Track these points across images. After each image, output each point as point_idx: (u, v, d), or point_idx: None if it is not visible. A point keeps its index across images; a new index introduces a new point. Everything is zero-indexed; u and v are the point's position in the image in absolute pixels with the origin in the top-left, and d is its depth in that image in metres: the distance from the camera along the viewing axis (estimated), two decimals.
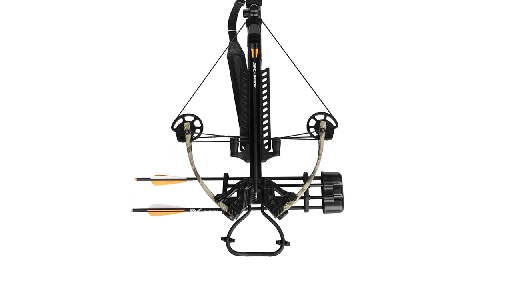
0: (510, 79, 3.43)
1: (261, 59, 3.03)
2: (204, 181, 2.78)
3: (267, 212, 2.75)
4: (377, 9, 3.58)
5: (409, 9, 3.59)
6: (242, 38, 3.21)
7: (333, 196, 2.82)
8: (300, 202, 2.80)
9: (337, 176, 2.85)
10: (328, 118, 2.94)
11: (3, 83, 3.38)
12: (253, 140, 2.86)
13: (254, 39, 3.02)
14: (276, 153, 2.88)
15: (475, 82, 3.41)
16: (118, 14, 3.53)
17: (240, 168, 2.87)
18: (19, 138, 3.21)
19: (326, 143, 2.89)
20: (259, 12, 3.13)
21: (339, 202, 2.81)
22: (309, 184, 2.78)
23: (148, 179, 2.88)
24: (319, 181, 2.85)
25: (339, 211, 2.82)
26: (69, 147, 3.17)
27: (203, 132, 2.92)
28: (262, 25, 3.11)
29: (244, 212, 2.74)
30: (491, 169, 3.17)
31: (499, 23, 3.57)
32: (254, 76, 2.97)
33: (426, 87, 3.35)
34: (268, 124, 2.93)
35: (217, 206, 2.75)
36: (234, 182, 2.82)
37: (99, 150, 3.15)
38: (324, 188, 2.83)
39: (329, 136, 2.92)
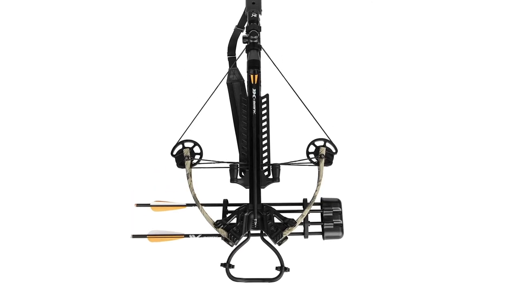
0: (507, 80, 3.50)
1: (260, 85, 3.06)
2: (203, 207, 2.81)
3: (267, 238, 2.78)
4: (373, 39, 3.64)
5: (404, 34, 3.67)
6: (242, 64, 3.25)
7: (332, 222, 2.85)
8: (299, 228, 2.83)
9: (337, 202, 2.89)
10: (328, 144, 2.97)
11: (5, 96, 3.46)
12: (253, 166, 2.89)
13: (254, 65, 3.04)
14: (276, 179, 2.91)
15: (474, 101, 3.47)
16: (115, 46, 3.60)
17: (240, 194, 2.91)
18: (19, 163, 3.26)
19: (326, 169, 2.92)
20: (259, 38, 3.16)
21: (339, 228, 2.85)
22: (308, 210, 2.82)
23: (148, 205, 2.92)
24: (318, 207, 2.88)
25: (338, 237, 2.85)
26: (69, 173, 3.22)
27: (202, 158, 2.95)
28: (262, 51, 3.14)
29: (243, 238, 2.77)
30: (492, 193, 3.23)
31: (498, 23, 3.64)
32: (254, 102, 3.00)
33: (425, 116, 3.41)
34: (268, 150, 2.97)
35: (217, 232, 2.78)
36: (233, 208, 2.86)
37: (99, 176, 3.20)
38: (324, 214, 2.86)
39: (328, 162, 2.95)
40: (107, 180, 3.17)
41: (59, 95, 3.46)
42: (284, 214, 2.84)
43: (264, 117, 3.02)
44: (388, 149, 3.29)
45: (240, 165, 2.94)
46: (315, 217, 2.88)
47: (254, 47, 3.11)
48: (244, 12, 3.31)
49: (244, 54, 3.16)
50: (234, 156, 3.03)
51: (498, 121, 3.43)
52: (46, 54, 3.58)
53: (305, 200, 2.88)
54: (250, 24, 3.16)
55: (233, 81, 3.26)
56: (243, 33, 3.19)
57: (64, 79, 3.51)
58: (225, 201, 2.90)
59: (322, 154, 2.93)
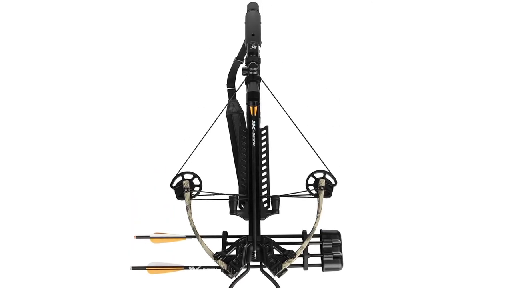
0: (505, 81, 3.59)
1: (260, 117, 3.07)
2: (203, 239, 2.85)
3: (266, 270, 2.82)
4: (370, 70, 3.72)
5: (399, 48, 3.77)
6: (241, 96, 3.27)
7: (332, 254, 2.90)
8: (299, 260, 2.87)
9: (336, 234, 2.94)
10: (327, 176, 3.00)
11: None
12: (252, 198, 2.93)
13: (253, 97, 3.07)
14: (275, 211, 2.95)
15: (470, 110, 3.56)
16: (114, 78, 3.67)
17: (239, 226, 2.95)
18: (16, 196, 3.33)
19: (325, 201, 2.95)
20: (258, 70, 3.17)
21: (338, 260, 2.89)
22: (308, 242, 2.86)
23: (147, 237, 2.96)
24: (318, 239, 2.93)
25: (338, 269, 2.89)
26: (69, 204, 3.27)
27: (202, 190, 2.98)
28: (261, 83, 3.15)
29: (243, 270, 2.81)
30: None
31: (497, 23, 3.74)
32: (253, 134, 3.02)
33: (426, 150, 3.48)
34: (267, 182, 3.00)
35: (216, 264, 2.82)
36: (233, 240, 2.90)
37: (99, 207, 3.24)
38: (323, 246, 2.91)
39: (328, 194, 2.98)
40: (106, 212, 3.21)
41: (57, 123, 3.54)
42: (283, 246, 2.88)
43: (263, 149, 3.05)
44: (388, 181, 3.34)
45: (240, 197, 2.97)
46: (315, 249, 2.93)
47: (253, 79, 3.13)
48: (243, 44, 3.36)
49: (244, 86, 3.18)
50: (233, 188, 3.08)
51: (496, 133, 3.52)
52: (46, 66, 3.67)
53: (304, 232, 2.93)
54: (249, 56, 3.18)
55: (233, 113, 3.31)
56: (243, 65, 3.21)
57: (62, 106, 3.59)
58: (225, 233, 2.95)
59: (322, 186, 2.97)
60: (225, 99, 3.37)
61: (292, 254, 2.83)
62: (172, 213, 3.04)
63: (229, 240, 2.92)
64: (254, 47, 3.22)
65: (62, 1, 3.85)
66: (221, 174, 3.18)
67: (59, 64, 3.69)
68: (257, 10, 3.42)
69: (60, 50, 3.73)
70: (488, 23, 3.78)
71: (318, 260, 2.90)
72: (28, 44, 3.72)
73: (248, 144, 3.03)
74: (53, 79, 3.65)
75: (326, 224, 2.99)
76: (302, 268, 2.88)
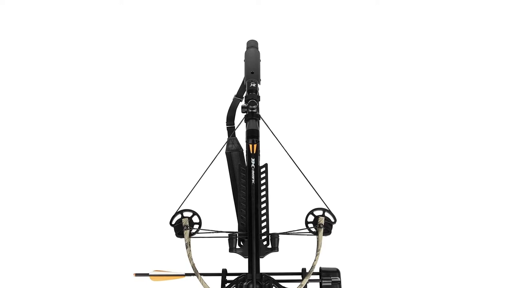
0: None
1: (259, 155, 3.10)
2: (202, 276, 2.87)
3: None
4: (367, 104, 3.82)
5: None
6: (241, 134, 3.28)
7: None
8: None
9: (336, 272, 2.97)
10: (327, 214, 3.03)
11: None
12: (252, 236, 2.96)
13: (253, 135, 3.08)
14: (275, 248, 2.99)
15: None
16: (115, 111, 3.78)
17: (239, 264, 2.99)
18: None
19: (325, 239, 2.98)
20: (258, 108, 3.19)
21: None
22: (307, 279, 2.89)
23: (147, 274, 2.98)
24: (317, 277, 2.96)
25: None
26: (68, 243, 3.34)
27: (201, 228, 3.01)
28: (261, 121, 3.17)
29: None
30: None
31: (496, 24, 3.83)
32: (253, 172, 3.05)
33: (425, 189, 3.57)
34: (267, 220, 3.04)
35: None
36: (232, 278, 2.94)
37: (98, 246, 3.31)
38: (323, 284, 2.94)
39: (327, 231, 3.01)
40: (106, 250, 3.27)
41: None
42: (283, 284, 2.92)
43: (263, 187, 3.08)
44: (387, 219, 3.41)
45: (239, 234, 3.01)
46: (314, 286, 2.96)
47: (253, 117, 3.15)
48: (243, 81, 3.38)
49: (243, 124, 3.19)
50: (233, 225, 3.12)
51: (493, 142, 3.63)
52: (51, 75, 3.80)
53: (304, 269, 2.97)
54: (249, 94, 3.20)
55: (232, 150, 3.33)
56: (242, 103, 3.26)
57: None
58: (224, 270, 2.98)
59: (321, 224, 3.00)
60: (225, 137, 3.41)
61: None
62: (171, 251, 3.08)
63: (228, 278, 2.96)
64: (254, 85, 3.23)
65: (67, 2, 3.96)
66: (220, 211, 3.23)
67: (61, 70, 3.83)
68: (257, 48, 3.46)
69: (63, 53, 3.86)
70: (487, 23, 3.87)
71: None
72: (42, 47, 3.86)
73: (248, 182, 3.05)
74: (54, 86, 3.79)
75: (325, 262, 3.02)
76: None
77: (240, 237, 3.02)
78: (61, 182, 3.55)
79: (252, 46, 3.47)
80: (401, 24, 3.97)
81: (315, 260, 2.92)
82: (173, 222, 3.03)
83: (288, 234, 3.04)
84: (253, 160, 3.08)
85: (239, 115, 3.29)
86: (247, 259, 2.96)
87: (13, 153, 3.64)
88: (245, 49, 3.48)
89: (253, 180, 3.06)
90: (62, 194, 3.52)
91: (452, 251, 3.38)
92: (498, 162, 3.60)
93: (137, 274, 2.99)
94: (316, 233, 3.01)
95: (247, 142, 3.10)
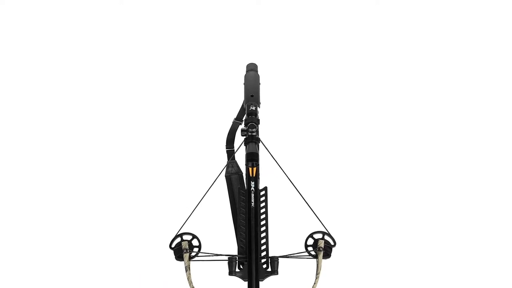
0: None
1: (259, 178, 3.11)
2: None
3: None
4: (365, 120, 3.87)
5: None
6: (240, 157, 3.29)
7: None
8: None
9: None
10: (326, 237, 3.06)
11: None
12: (251, 259, 2.99)
13: (252, 158, 3.09)
14: (274, 272, 3.00)
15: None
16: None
17: (239, 287, 3.01)
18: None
19: (324, 262, 3.01)
20: (257, 131, 3.20)
21: None
22: None
23: None
24: None
25: None
26: (66, 272, 3.38)
27: (201, 251, 3.04)
28: (260, 144, 3.19)
29: None
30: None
31: (494, 25, 3.88)
32: (252, 195, 3.06)
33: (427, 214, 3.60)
34: (266, 243, 3.05)
35: None
36: None
37: (96, 269, 3.34)
38: None
39: (327, 255, 3.03)
40: (104, 274, 3.30)
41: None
42: None
43: (262, 210, 3.10)
44: (388, 243, 3.43)
45: (239, 257, 3.03)
46: None
47: (252, 140, 3.16)
48: (242, 104, 3.40)
49: (243, 147, 3.20)
50: (232, 248, 3.14)
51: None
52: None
53: None
54: (248, 117, 3.22)
55: (232, 174, 3.34)
56: (242, 126, 3.24)
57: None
58: None
59: (321, 247, 3.03)
60: (224, 160, 3.42)
61: None
62: (171, 274, 3.10)
63: None
64: (253, 108, 3.26)
65: (67, 2, 4.01)
66: (220, 235, 3.24)
67: (61, 70, 3.89)
68: (256, 71, 3.48)
69: (64, 53, 3.92)
70: (487, 23, 3.91)
71: None
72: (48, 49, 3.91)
73: (247, 205, 3.07)
74: (55, 86, 3.85)
75: (325, 285, 3.04)
76: None
77: (239, 260, 3.03)
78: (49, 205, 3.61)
79: (252, 69, 3.49)
80: (401, 24, 4.01)
81: (314, 284, 2.95)
82: (173, 245, 3.05)
83: (288, 257, 3.06)
84: (252, 183, 3.09)
85: (239, 138, 3.30)
86: (246, 282, 2.98)
87: (12, 154, 3.68)
88: (244, 72, 3.50)
89: (252, 203, 3.08)
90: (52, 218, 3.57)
91: (454, 278, 3.41)
92: (497, 163, 3.63)
93: None
94: (315, 256, 3.04)
95: (246, 165, 3.12)
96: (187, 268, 2.98)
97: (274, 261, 3.03)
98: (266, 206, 3.13)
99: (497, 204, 3.54)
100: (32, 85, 3.85)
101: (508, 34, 3.90)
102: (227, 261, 3.02)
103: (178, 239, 3.06)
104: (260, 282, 2.98)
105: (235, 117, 3.46)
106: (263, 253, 3.05)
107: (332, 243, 3.07)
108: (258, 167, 3.11)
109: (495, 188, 3.59)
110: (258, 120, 3.27)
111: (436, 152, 3.74)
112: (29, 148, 3.69)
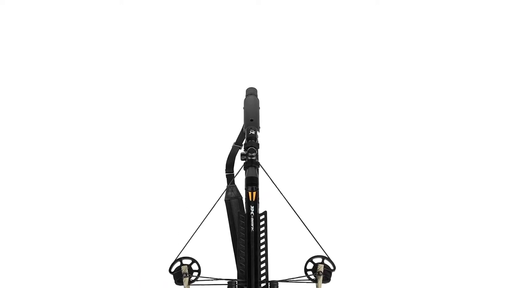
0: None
1: (258, 202, 3.11)
2: None
3: None
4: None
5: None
6: (240, 181, 3.29)
7: None
8: None
9: None
10: (326, 261, 3.08)
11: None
12: (251, 283, 3.01)
13: (252, 182, 3.10)
14: None
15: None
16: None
17: None
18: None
19: (324, 286, 3.04)
20: (257, 155, 3.21)
21: None
22: None
23: None
24: None
25: None
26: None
27: (200, 275, 3.06)
28: (260, 168, 3.20)
29: None
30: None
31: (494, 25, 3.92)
32: (252, 219, 3.08)
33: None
34: (266, 267, 3.06)
35: None
36: None
37: None
38: None
39: (326, 279, 3.06)
40: None
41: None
42: None
43: (262, 234, 3.10)
44: (387, 266, 3.47)
45: (238, 282, 3.05)
46: None
47: (252, 164, 3.17)
48: (242, 129, 3.42)
49: (242, 171, 3.21)
50: (232, 273, 3.16)
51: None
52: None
53: None
54: (248, 141, 3.23)
55: (231, 198, 3.36)
56: (241, 150, 3.25)
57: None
58: None
59: (320, 271, 3.06)
60: (224, 184, 3.44)
61: None
62: None
63: None
64: (253, 132, 3.26)
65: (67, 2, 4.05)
66: (219, 259, 3.28)
67: (61, 70, 3.95)
68: (256, 95, 3.51)
69: (64, 53, 3.99)
70: (487, 23, 3.96)
71: None
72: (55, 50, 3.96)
73: (247, 229, 3.08)
74: (55, 86, 3.91)
75: None
76: None
77: (239, 284, 3.05)
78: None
79: (252, 93, 3.52)
80: (401, 24, 4.04)
81: None
82: (172, 270, 3.07)
83: (288, 281, 3.08)
84: (252, 208, 3.11)
85: (238, 163, 3.31)
86: None
87: (12, 154, 3.71)
88: (244, 97, 3.53)
89: (252, 228, 3.09)
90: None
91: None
92: (496, 163, 3.66)
93: None
94: (315, 281, 3.06)
95: (246, 189, 3.13)
96: None
97: (273, 285, 3.05)
98: (265, 230, 3.14)
99: (496, 204, 3.56)
100: (32, 85, 3.88)
101: (508, 34, 3.91)
102: (226, 286, 3.05)
103: (178, 263, 3.08)
104: None
105: (234, 141, 3.48)
106: (263, 277, 3.06)
107: (331, 267, 3.09)
108: (258, 192, 3.12)
109: (494, 188, 3.61)
110: (258, 145, 3.28)
111: (434, 159, 3.77)
112: (29, 148, 3.72)
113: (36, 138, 3.69)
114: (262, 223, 3.15)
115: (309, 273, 3.10)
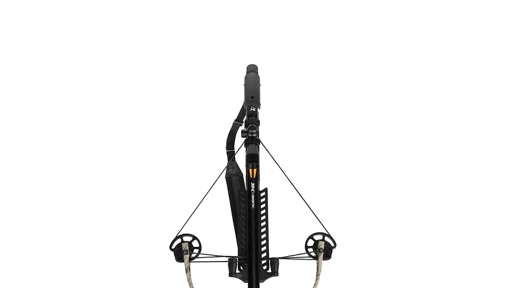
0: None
1: (259, 179, 3.13)
2: None
3: None
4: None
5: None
6: (241, 158, 3.31)
7: None
8: None
9: None
10: (327, 238, 3.09)
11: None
12: (251, 260, 3.03)
13: (253, 160, 3.10)
14: (274, 273, 3.04)
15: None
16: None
17: None
18: None
19: (324, 263, 3.05)
20: (257, 132, 3.21)
21: None
22: None
23: None
24: None
25: None
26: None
27: (201, 252, 3.08)
28: (260, 145, 3.20)
29: None
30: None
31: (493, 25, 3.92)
32: (253, 196, 3.09)
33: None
34: (266, 244, 3.09)
35: None
36: None
37: (95, 271, 3.41)
38: None
39: (327, 256, 3.07)
40: (103, 275, 3.37)
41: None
42: None
43: (262, 211, 3.12)
44: (388, 244, 3.49)
45: (239, 259, 3.07)
46: None
47: (252, 141, 3.17)
48: (242, 106, 3.43)
49: (243, 148, 3.21)
50: (233, 250, 3.18)
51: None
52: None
53: None
54: (248, 118, 3.23)
55: (232, 175, 3.38)
56: (242, 127, 3.26)
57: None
58: None
59: (321, 248, 3.07)
60: (224, 161, 3.45)
61: None
62: (171, 276, 3.16)
63: None
64: (253, 109, 3.26)
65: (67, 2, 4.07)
66: (220, 236, 3.28)
67: (61, 70, 3.96)
68: (256, 72, 3.50)
69: (64, 53, 3.99)
70: (487, 23, 3.96)
71: None
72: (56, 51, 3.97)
73: (247, 206, 3.10)
74: (55, 86, 3.92)
75: (325, 286, 3.08)
76: None
77: (240, 261, 3.07)
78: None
79: (252, 70, 3.51)
80: (401, 24, 4.04)
81: (315, 285, 2.99)
82: (173, 247, 3.09)
83: (288, 258, 3.10)
84: (253, 185, 3.12)
85: (239, 140, 3.33)
86: (247, 283, 3.02)
87: (12, 154, 3.74)
88: (245, 73, 3.53)
89: (253, 205, 3.11)
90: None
91: (453, 276, 3.46)
92: (495, 163, 3.68)
93: None
94: (316, 258, 3.08)
95: (247, 166, 3.14)
96: (187, 270, 3.02)
97: (274, 262, 3.07)
98: (266, 208, 3.16)
99: (496, 204, 3.58)
100: (32, 85, 3.89)
101: (508, 34, 3.93)
102: (227, 262, 3.06)
103: (178, 241, 3.09)
104: (260, 284, 3.02)
105: (235, 118, 3.49)
106: (263, 254, 3.08)
107: (332, 244, 3.10)
108: (258, 169, 3.13)
109: (494, 188, 3.63)
110: (258, 122, 3.28)
111: (435, 150, 3.79)
112: (29, 149, 3.74)
113: (36, 137, 3.72)
114: (262, 200, 3.17)
115: (310, 250, 3.11)
